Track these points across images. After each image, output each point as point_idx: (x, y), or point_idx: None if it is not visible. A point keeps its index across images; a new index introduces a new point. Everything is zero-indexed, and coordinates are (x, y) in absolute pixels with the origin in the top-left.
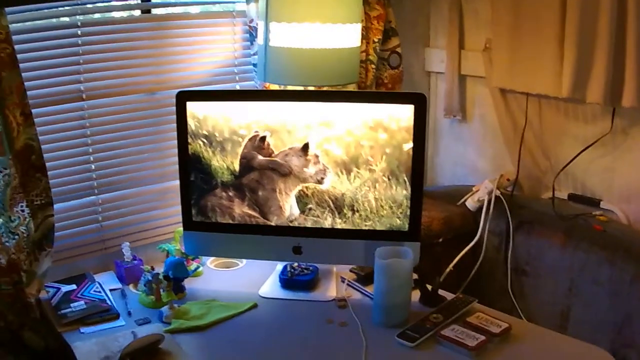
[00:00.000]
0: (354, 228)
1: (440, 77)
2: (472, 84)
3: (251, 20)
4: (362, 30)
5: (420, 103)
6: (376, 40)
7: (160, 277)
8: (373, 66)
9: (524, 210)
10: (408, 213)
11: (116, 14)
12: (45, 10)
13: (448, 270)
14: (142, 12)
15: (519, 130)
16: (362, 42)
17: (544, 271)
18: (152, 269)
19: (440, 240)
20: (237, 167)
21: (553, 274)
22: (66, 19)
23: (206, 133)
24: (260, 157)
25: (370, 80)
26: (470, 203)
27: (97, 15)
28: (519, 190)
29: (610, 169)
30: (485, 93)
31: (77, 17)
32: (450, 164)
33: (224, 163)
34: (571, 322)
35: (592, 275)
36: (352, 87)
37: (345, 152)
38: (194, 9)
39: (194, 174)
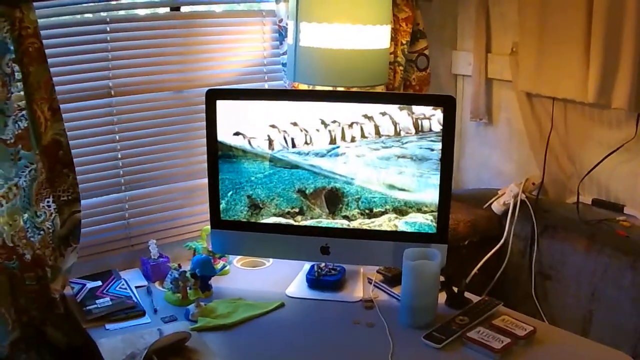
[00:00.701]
0: (382, 229)
1: (467, 80)
2: (498, 88)
3: (280, 20)
4: (391, 32)
5: (449, 106)
6: (404, 42)
7: (188, 275)
8: (401, 68)
9: (549, 215)
10: (436, 215)
11: (144, 12)
12: (72, 7)
13: (473, 273)
14: (171, 9)
15: (545, 135)
16: (390, 44)
17: (568, 275)
18: (179, 266)
19: (466, 243)
20: (266, 166)
21: (576, 279)
22: (90, 15)
23: (235, 132)
24: (289, 157)
25: (398, 82)
26: (496, 206)
27: (122, 12)
28: (544, 194)
29: (634, 175)
30: (512, 97)
31: (102, 14)
32: (476, 167)
33: (254, 162)
34: (594, 327)
35: (615, 280)
36: (380, 89)
37: (375, 153)
38: (221, 8)
39: (223, 172)
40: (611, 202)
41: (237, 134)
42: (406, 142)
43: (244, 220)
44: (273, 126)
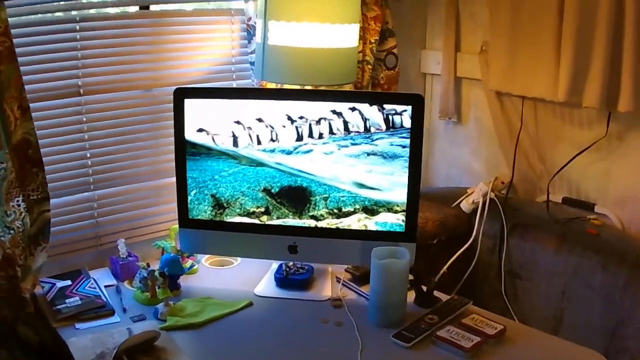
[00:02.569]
0: (350, 228)
1: (436, 79)
2: (467, 87)
3: (249, 19)
4: (359, 30)
5: (417, 104)
6: (373, 41)
7: (156, 274)
8: (369, 67)
9: (519, 213)
10: (402, 214)
11: (114, 10)
12: (42, 5)
13: (442, 271)
14: (140, 8)
15: (514, 133)
16: (359, 42)
17: (538, 274)
18: (148, 265)
19: (435, 241)
20: (231, 164)
21: (546, 278)
22: (60, 14)
23: (199, 128)
24: (254, 155)
25: (367, 80)
26: (465, 205)
27: (93, 11)
28: (514, 193)
29: (605, 174)
30: (481, 95)
31: (73, 12)
32: (445, 166)
33: (218, 160)
34: (564, 326)
35: (585, 279)
36: (348, 88)
37: (343, 151)
38: (191, 6)
39: (194, 171)
40: (581, 201)
41: (200, 130)
42: (376, 139)
43: (212, 219)
44: (238, 122)
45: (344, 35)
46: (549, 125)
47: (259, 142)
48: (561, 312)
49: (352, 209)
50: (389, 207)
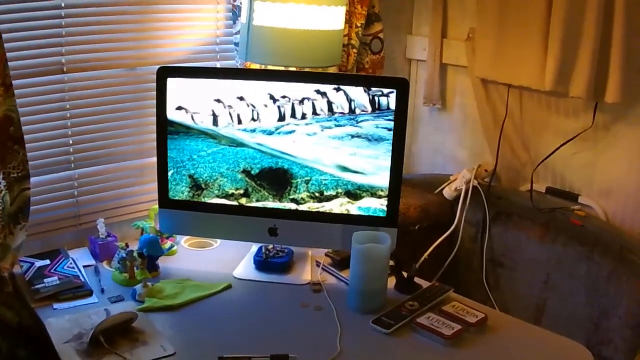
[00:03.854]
0: (331, 211)
1: (421, 65)
2: (453, 73)
3: None
4: (346, 14)
5: (402, 88)
6: (359, 24)
7: (135, 254)
8: (355, 50)
9: (502, 202)
10: (386, 199)
11: None
12: None
13: (423, 258)
14: None
15: (499, 121)
16: (344, 26)
17: (521, 263)
18: (127, 246)
19: (417, 227)
20: (210, 144)
21: (529, 267)
22: None
23: (185, 110)
24: (235, 135)
25: (352, 64)
26: (448, 192)
27: None
28: (497, 181)
29: (590, 164)
30: (467, 83)
31: None
32: (428, 153)
33: (196, 139)
34: (546, 316)
35: (568, 269)
36: (333, 70)
37: (327, 132)
38: None
39: (172, 151)
40: (565, 191)
41: (179, 108)
42: (361, 121)
43: (192, 200)
44: (218, 101)
45: (329, 18)
46: (534, 114)
47: (239, 122)
48: (543, 301)
49: (334, 193)
50: (373, 192)
